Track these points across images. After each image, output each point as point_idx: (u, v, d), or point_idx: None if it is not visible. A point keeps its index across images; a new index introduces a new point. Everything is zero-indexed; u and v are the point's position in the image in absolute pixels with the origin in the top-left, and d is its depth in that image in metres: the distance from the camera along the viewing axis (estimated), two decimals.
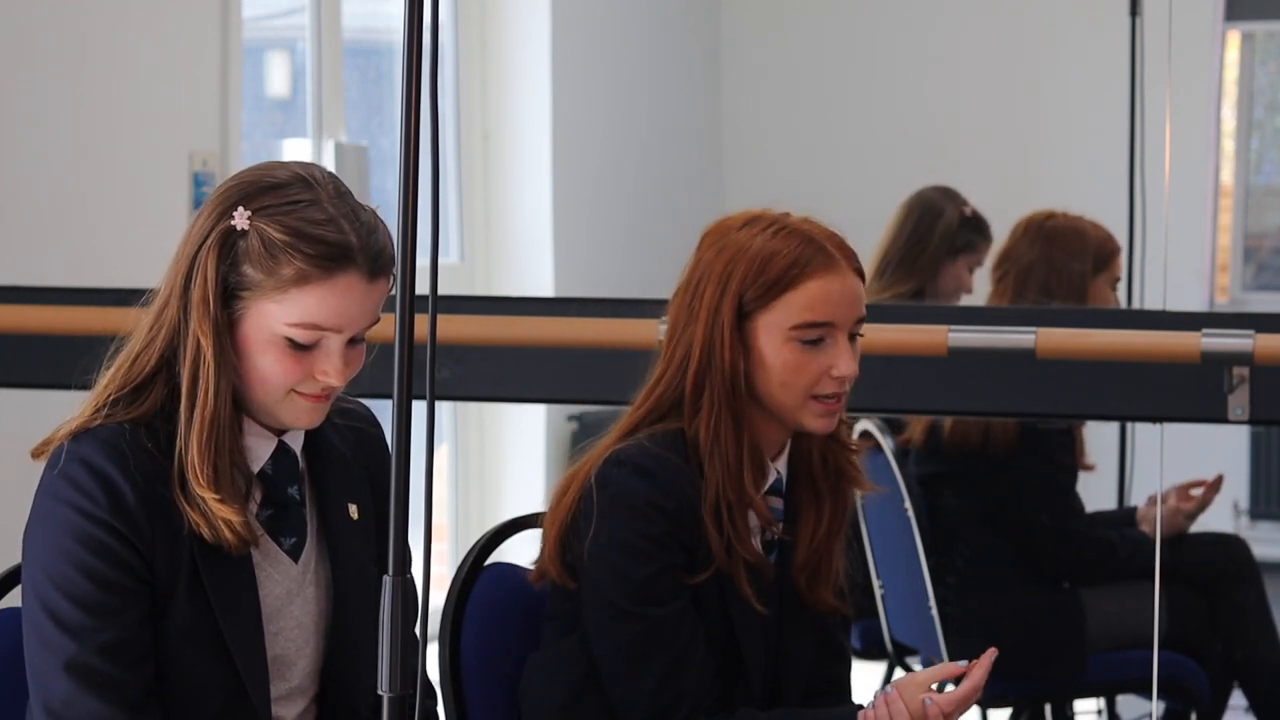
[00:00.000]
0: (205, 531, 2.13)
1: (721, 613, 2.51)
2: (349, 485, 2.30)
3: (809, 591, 2.56)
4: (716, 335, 2.48)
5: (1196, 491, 4.18)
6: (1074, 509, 4.08)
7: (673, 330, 2.53)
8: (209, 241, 2.13)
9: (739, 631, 2.52)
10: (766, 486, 2.55)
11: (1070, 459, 4.08)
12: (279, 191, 2.14)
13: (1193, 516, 4.17)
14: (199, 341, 2.13)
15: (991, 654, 2.42)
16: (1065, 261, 4.14)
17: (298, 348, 2.14)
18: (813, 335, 2.47)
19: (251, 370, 2.15)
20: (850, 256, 2.51)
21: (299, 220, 2.12)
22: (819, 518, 2.56)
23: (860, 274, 2.52)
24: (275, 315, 2.13)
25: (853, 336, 2.51)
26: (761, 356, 2.48)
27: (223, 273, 2.13)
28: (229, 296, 2.14)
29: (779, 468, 2.56)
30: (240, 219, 2.13)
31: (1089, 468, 4.21)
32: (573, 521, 2.52)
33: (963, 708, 2.44)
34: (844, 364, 2.48)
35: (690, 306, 2.51)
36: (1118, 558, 4.06)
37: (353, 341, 2.17)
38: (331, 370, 2.15)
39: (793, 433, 2.56)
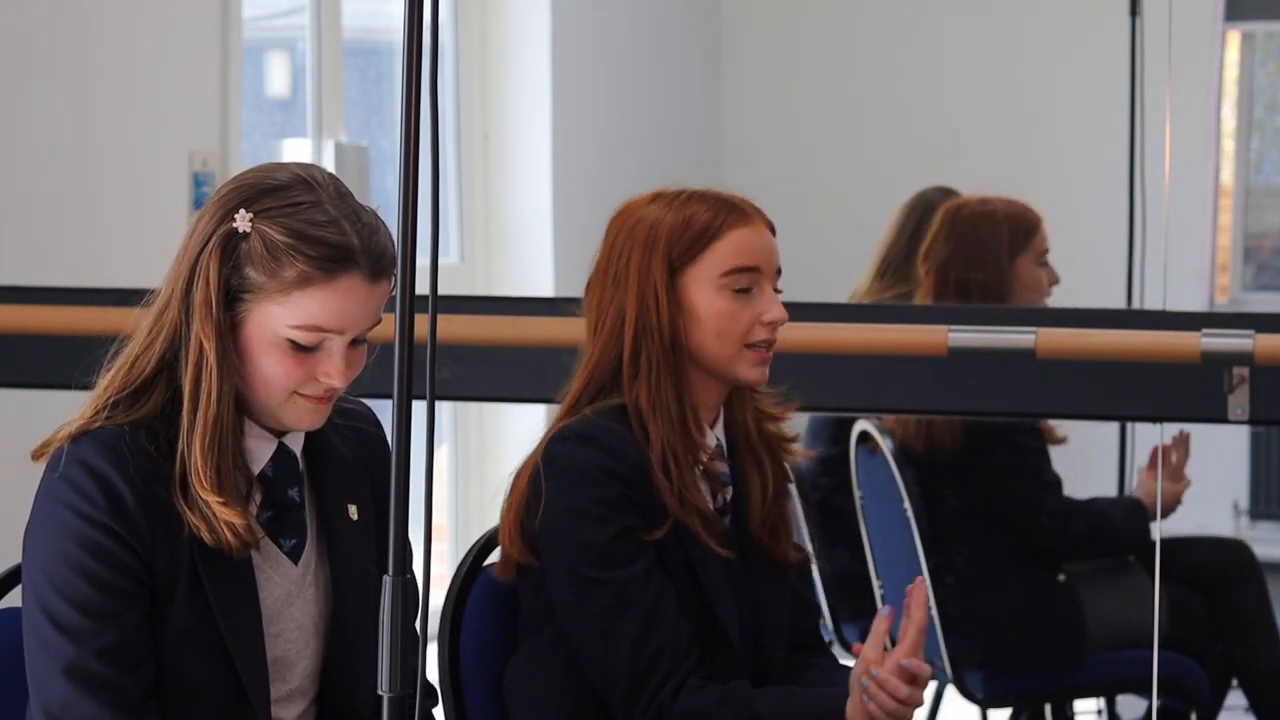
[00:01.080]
0: (205, 535, 2.12)
1: (686, 571, 2.54)
2: (349, 486, 2.30)
3: (773, 547, 2.63)
4: (649, 295, 2.55)
5: (1172, 485, 4.13)
6: (1048, 485, 4.05)
7: (599, 307, 2.60)
8: (211, 244, 2.13)
9: (706, 584, 2.54)
10: (710, 449, 2.60)
11: (1034, 439, 4.05)
12: (280, 193, 2.14)
13: (1177, 480, 4.11)
14: (201, 344, 2.13)
15: (920, 584, 2.49)
16: (978, 244, 4.09)
17: (300, 349, 2.14)
18: (742, 282, 2.55)
19: (254, 372, 2.15)
20: (762, 214, 2.61)
21: (301, 222, 2.12)
22: (764, 480, 2.63)
23: (772, 229, 2.61)
24: (277, 317, 2.13)
25: (776, 289, 2.60)
26: (694, 310, 2.55)
27: (224, 275, 2.13)
28: (231, 299, 2.14)
29: (717, 435, 2.62)
30: (242, 221, 2.13)
31: (1060, 440, 4.17)
32: (526, 504, 2.55)
33: (919, 646, 2.48)
34: (774, 309, 2.57)
35: (615, 278, 2.58)
36: (1112, 524, 4.02)
37: (354, 343, 2.18)
38: (334, 372, 2.15)
39: (725, 398, 2.62)
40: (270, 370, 2.15)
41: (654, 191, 2.63)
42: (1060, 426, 4.16)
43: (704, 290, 2.55)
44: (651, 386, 2.54)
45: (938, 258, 4.10)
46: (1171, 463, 4.08)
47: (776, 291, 2.60)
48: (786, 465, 2.68)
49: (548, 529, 2.52)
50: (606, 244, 2.62)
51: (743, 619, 2.59)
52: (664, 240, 2.56)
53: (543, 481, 2.53)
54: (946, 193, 4.74)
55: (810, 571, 2.75)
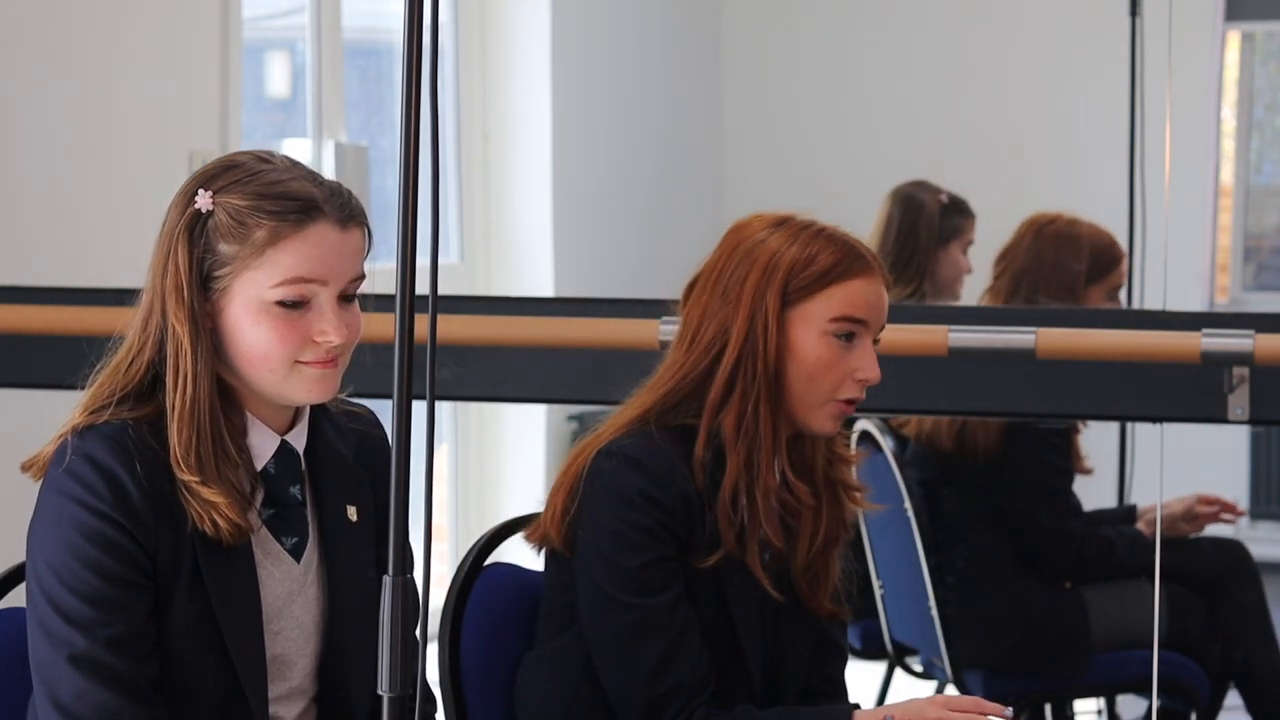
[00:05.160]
0: (207, 526, 2.13)
1: (719, 607, 2.52)
2: (349, 487, 2.30)
3: (810, 596, 2.58)
4: (760, 321, 2.50)
5: (1204, 508, 4.18)
6: (1071, 509, 4.08)
7: (701, 318, 2.54)
8: (177, 231, 2.16)
9: (737, 625, 2.53)
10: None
11: (1065, 461, 4.07)
12: (236, 169, 2.18)
13: (1196, 524, 4.18)
14: (176, 330, 2.14)
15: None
16: (1057, 265, 4.11)
17: (289, 310, 2.14)
18: (848, 329, 2.51)
19: (250, 349, 2.15)
20: (882, 268, 2.57)
21: (259, 185, 2.15)
22: (817, 525, 2.58)
23: (888, 286, 2.58)
24: (258, 282, 2.14)
25: (875, 342, 2.56)
26: (795, 348, 2.51)
27: (198, 257, 2.15)
28: (209, 280, 2.15)
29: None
30: (203, 200, 2.15)
31: (1087, 471, 4.20)
32: (572, 497, 2.53)
33: None
34: (870, 368, 2.52)
35: (725, 293, 2.53)
36: (1117, 556, 4.06)
37: (346, 302, 2.17)
38: (329, 327, 2.15)
39: (791, 437, 2.57)
40: (265, 340, 2.15)
41: (781, 215, 2.57)
42: (1089, 458, 4.18)
43: (810, 331, 2.50)
44: (743, 414, 2.49)
45: (1016, 264, 4.12)
46: (1202, 513, 4.14)
47: (875, 342, 2.55)
48: (847, 516, 2.61)
49: (583, 545, 2.51)
50: (720, 255, 2.56)
51: (765, 657, 2.57)
52: (784, 270, 2.50)
53: (582, 492, 2.51)
54: (920, 185, 4.78)
55: (846, 622, 2.67)
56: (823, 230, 2.54)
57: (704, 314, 2.54)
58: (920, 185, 4.78)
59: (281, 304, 2.14)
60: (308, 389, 2.18)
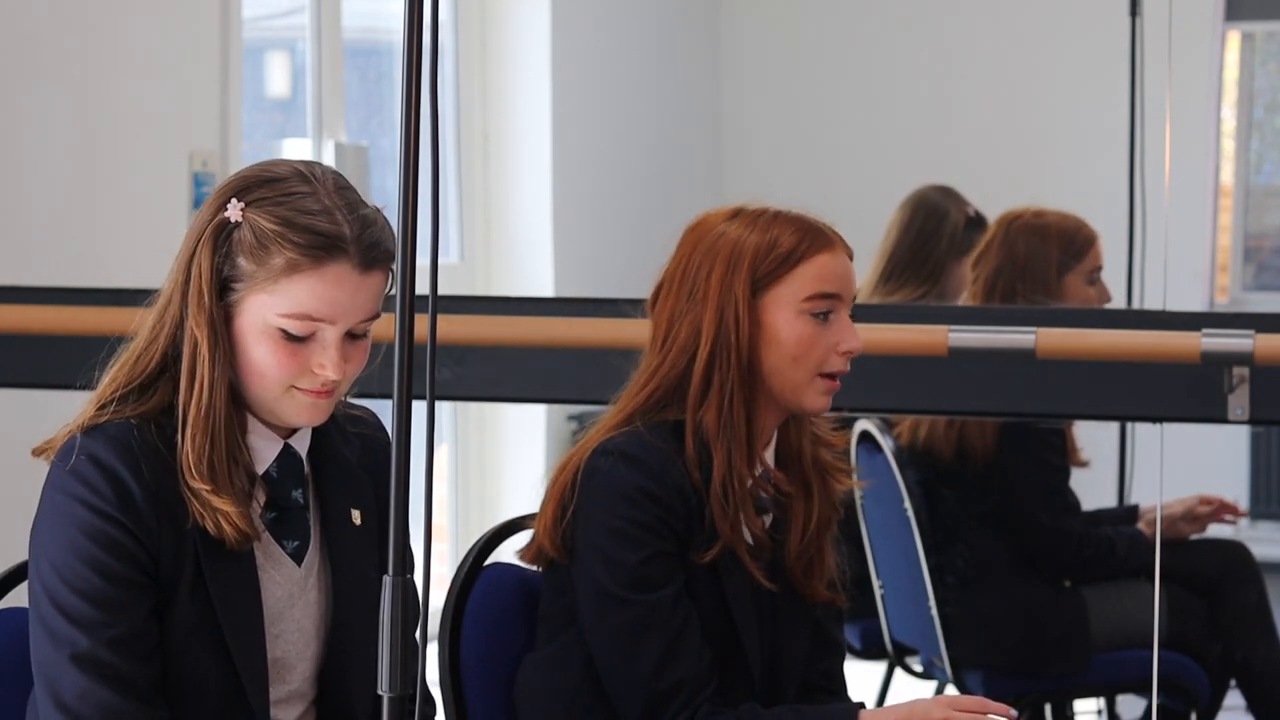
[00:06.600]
0: (209, 525, 2.13)
1: (718, 601, 2.52)
2: (352, 491, 2.29)
3: (805, 583, 2.58)
4: (730, 313, 2.51)
5: (1204, 509, 4.18)
6: (1069, 507, 4.08)
7: (671, 320, 2.56)
8: (205, 235, 2.15)
9: (737, 618, 2.53)
10: (759, 472, 2.57)
11: (1060, 458, 4.07)
12: (275, 185, 2.15)
13: (1196, 525, 4.18)
14: (194, 335, 2.14)
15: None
16: (1030, 258, 4.09)
17: (293, 339, 2.14)
18: (823, 307, 2.52)
19: (249, 364, 2.15)
20: (843, 240, 2.58)
21: (291, 211, 2.13)
22: (809, 510, 2.59)
23: (851, 256, 2.59)
24: (268, 306, 2.13)
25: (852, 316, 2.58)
26: (774, 332, 2.52)
27: (218, 265, 2.14)
28: (224, 289, 2.15)
29: (766, 458, 2.58)
30: (234, 211, 2.14)
31: (1083, 464, 4.20)
32: (565, 502, 2.53)
33: None
34: (851, 339, 2.54)
35: (692, 292, 2.54)
36: (1116, 555, 4.06)
37: (355, 337, 2.17)
38: (328, 363, 2.14)
39: (779, 425, 2.59)
40: (264, 361, 2.15)
41: (733, 207, 2.58)
42: (1083, 450, 4.18)
43: (784, 313, 2.52)
44: (722, 407, 2.50)
45: (988, 267, 4.11)
46: (1202, 513, 4.14)
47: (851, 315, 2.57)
48: (836, 497, 2.62)
49: (581, 544, 2.51)
50: (681, 256, 2.57)
51: (763, 652, 2.57)
52: (748, 259, 2.51)
53: (578, 493, 2.51)
54: (947, 193, 4.73)
55: (842, 613, 2.68)
56: (780, 214, 2.56)
57: (673, 315, 2.55)
58: (947, 193, 4.73)
59: (285, 332, 2.14)
60: (297, 413, 2.18)
